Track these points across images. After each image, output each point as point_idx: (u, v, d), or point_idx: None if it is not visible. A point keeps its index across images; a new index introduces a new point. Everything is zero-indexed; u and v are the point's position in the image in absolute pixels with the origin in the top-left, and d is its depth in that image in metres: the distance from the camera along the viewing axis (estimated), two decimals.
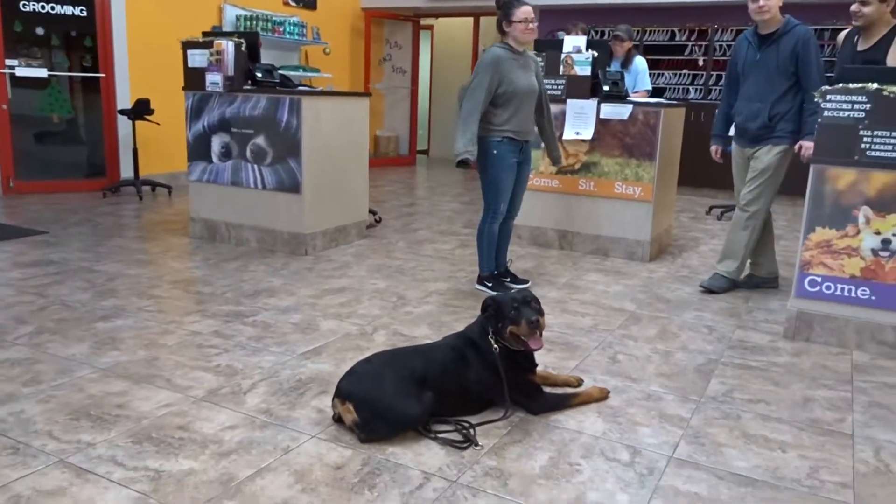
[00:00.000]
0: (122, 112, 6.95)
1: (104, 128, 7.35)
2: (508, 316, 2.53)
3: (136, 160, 7.06)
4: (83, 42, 7.23)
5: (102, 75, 7.23)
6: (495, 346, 2.55)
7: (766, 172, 4.20)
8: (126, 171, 7.33)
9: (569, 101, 5.17)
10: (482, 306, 2.66)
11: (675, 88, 9.42)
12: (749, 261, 4.51)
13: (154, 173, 7.50)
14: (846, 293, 3.48)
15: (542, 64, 5.05)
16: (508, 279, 4.34)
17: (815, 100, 3.45)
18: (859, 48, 4.00)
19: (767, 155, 4.19)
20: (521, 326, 2.51)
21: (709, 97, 9.17)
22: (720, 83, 9.31)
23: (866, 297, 3.44)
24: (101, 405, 2.55)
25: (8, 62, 6.65)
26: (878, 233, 3.38)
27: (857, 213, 3.40)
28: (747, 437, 2.52)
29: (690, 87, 9.38)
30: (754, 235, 4.31)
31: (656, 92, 8.33)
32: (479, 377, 2.56)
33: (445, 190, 8.53)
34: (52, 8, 6.90)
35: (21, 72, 6.72)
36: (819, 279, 3.53)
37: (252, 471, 2.16)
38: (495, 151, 3.93)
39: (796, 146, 4.09)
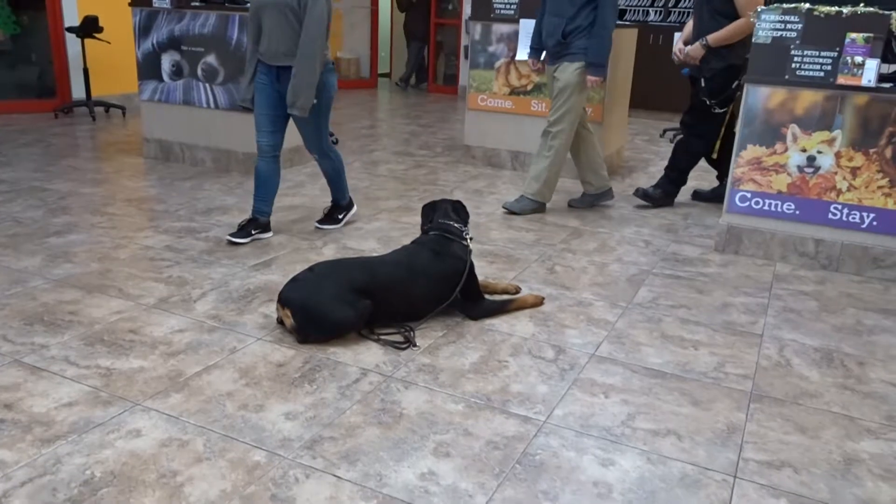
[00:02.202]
0: (70, 30, 6.77)
1: (52, 46, 7.15)
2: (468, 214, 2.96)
3: (87, 80, 6.92)
4: None
5: None
6: (469, 245, 2.81)
7: (564, 91, 4.10)
8: (78, 92, 7.19)
9: (521, 20, 5.18)
10: (458, 208, 2.95)
11: (634, 10, 9.39)
12: (580, 179, 4.53)
13: (107, 94, 7.36)
14: (773, 208, 3.68)
15: None
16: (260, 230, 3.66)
17: (752, 19, 3.54)
18: None
19: (564, 73, 4.09)
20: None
21: (668, 19, 9.17)
22: (680, 5, 9.31)
23: (791, 211, 3.64)
24: (53, 312, 2.66)
25: None
26: (804, 150, 3.55)
27: (786, 131, 3.56)
28: (665, 338, 2.74)
29: (650, 9, 9.36)
30: (559, 157, 4.22)
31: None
32: (434, 286, 2.71)
33: (406, 112, 8.53)
34: None
35: None
36: (749, 195, 3.71)
37: (199, 368, 2.31)
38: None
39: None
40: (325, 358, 2.43)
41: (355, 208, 4.01)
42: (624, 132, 5.94)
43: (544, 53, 4.27)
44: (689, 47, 4.30)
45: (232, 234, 3.55)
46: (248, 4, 5.14)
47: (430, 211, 2.95)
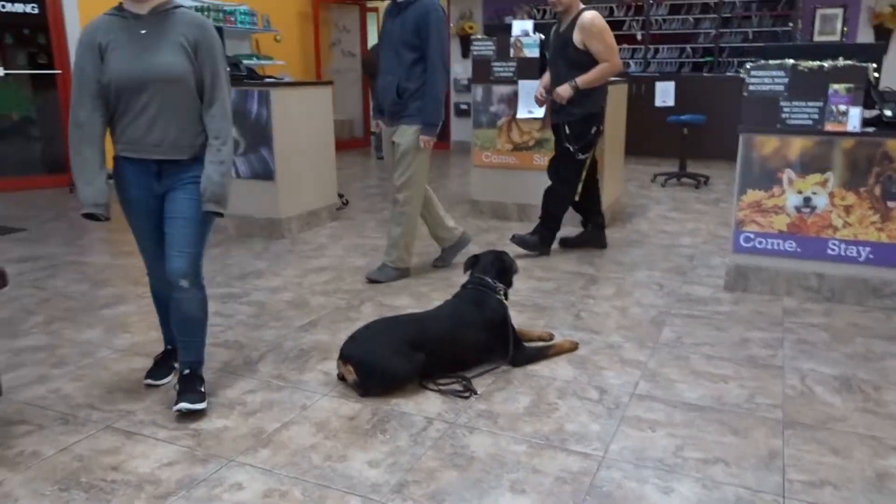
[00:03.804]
0: None
1: (63, 123, 7.40)
2: (513, 268, 3.16)
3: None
4: (37, 40, 7.24)
5: (59, 72, 7.27)
6: (505, 300, 3.03)
7: (406, 156, 3.99)
8: None
9: (520, 81, 5.53)
10: (497, 265, 3.12)
11: None
12: (433, 237, 4.50)
13: None
14: (775, 247, 3.96)
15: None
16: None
17: (742, 75, 3.88)
18: (560, 30, 4.56)
19: (404, 136, 3.98)
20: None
21: (648, 70, 9.65)
22: (658, 56, 9.82)
23: (792, 249, 3.92)
24: (128, 379, 2.83)
25: None
26: (800, 192, 3.85)
27: (782, 175, 3.86)
28: (695, 374, 2.96)
29: (631, 61, 9.85)
30: (411, 222, 4.15)
31: None
32: (479, 335, 2.95)
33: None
34: (3, 6, 6.90)
35: None
36: (752, 235, 3.99)
37: (278, 424, 2.49)
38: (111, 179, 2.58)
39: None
40: (390, 409, 2.62)
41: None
42: (620, 181, 6.26)
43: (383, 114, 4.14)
44: (558, 87, 4.44)
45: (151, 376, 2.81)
46: (267, 79, 5.43)
47: (472, 264, 3.18)
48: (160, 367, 2.85)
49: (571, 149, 4.53)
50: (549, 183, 4.72)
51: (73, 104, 2.45)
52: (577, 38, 4.38)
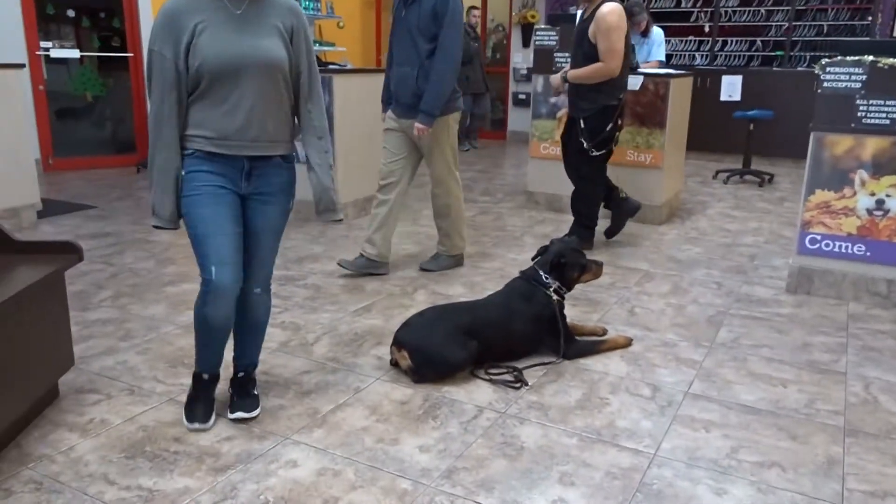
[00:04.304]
0: None
1: (134, 105, 7.67)
2: (582, 263, 3.11)
3: None
4: (112, 23, 7.51)
5: (131, 55, 7.52)
6: (555, 296, 3.00)
7: (433, 150, 3.89)
8: None
9: None
10: (553, 261, 3.05)
11: (681, 55, 9.65)
12: (367, 238, 4.05)
13: None
14: (843, 250, 3.82)
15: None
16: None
17: (816, 71, 3.75)
18: (583, 18, 4.39)
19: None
20: (595, 270, 3.18)
21: (714, 63, 9.41)
22: (726, 49, 9.55)
23: (862, 253, 3.78)
24: (190, 356, 2.92)
25: (42, 44, 6.94)
26: (872, 194, 3.71)
27: (854, 176, 3.73)
28: (753, 376, 2.90)
29: (696, 54, 9.61)
30: (458, 211, 4.09)
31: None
32: (529, 327, 2.93)
33: (460, 159, 8.83)
34: None
35: (55, 53, 7.02)
36: (819, 237, 3.87)
37: (332, 405, 2.55)
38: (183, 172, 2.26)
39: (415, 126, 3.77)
40: (441, 396, 2.64)
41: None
42: (680, 176, 6.14)
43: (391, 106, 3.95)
44: (551, 76, 4.42)
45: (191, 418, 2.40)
46: (330, 65, 5.50)
47: (541, 252, 3.17)
48: (200, 400, 2.41)
49: (585, 144, 4.38)
50: (609, 174, 4.61)
51: (155, 98, 2.16)
52: (591, 29, 4.23)
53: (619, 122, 4.46)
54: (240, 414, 2.40)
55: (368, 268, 4.02)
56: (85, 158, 7.46)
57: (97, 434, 2.33)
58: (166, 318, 3.35)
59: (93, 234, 4.82)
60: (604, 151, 4.45)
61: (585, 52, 4.30)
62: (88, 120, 7.79)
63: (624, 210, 4.76)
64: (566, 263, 3.07)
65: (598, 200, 4.66)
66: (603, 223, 4.78)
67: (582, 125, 4.40)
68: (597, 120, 4.35)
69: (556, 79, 4.45)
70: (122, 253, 4.40)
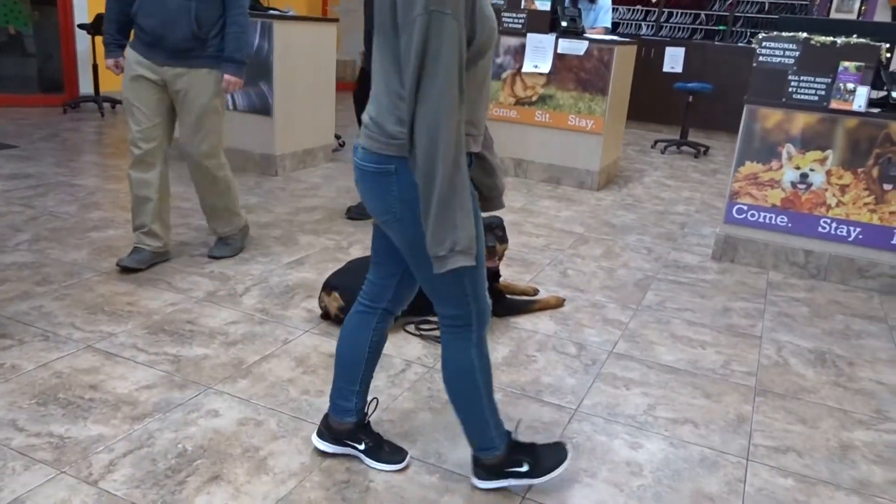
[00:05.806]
0: (82, 26, 6.88)
1: (62, 42, 7.25)
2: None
3: (96, 76, 7.03)
4: None
5: None
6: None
7: (208, 112, 3.08)
8: (85, 87, 7.29)
9: (528, 34, 5.44)
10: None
11: (628, 23, 9.71)
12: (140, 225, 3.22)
13: (113, 91, 7.47)
14: (767, 220, 3.96)
15: None
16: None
17: (754, 45, 3.82)
18: None
19: (203, 84, 3.03)
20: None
21: (660, 33, 9.50)
22: (672, 20, 9.66)
23: (784, 224, 3.92)
24: (112, 302, 2.84)
25: None
26: (797, 167, 3.83)
27: (782, 149, 3.84)
28: (674, 338, 2.99)
29: (643, 23, 9.69)
30: (233, 187, 3.36)
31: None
32: None
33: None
34: None
35: None
36: (745, 207, 3.99)
37: (258, 356, 2.52)
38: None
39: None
40: None
41: None
42: (620, 144, 6.22)
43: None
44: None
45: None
46: (271, 11, 5.31)
47: None
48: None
49: None
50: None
51: (451, 87, 1.46)
52: None
53: None
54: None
55: (154, 259, 3.24)
56: (7, 95, 7.05)
57: (7, 380, 2.24)
58: (88, 264, 3.23)
59: (11, 175, 4.58)
60: None
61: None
62: (12, 55, 7.35)
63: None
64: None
65: None
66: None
67: None
68: None
69: None
70: (45, 196, 4.20)
